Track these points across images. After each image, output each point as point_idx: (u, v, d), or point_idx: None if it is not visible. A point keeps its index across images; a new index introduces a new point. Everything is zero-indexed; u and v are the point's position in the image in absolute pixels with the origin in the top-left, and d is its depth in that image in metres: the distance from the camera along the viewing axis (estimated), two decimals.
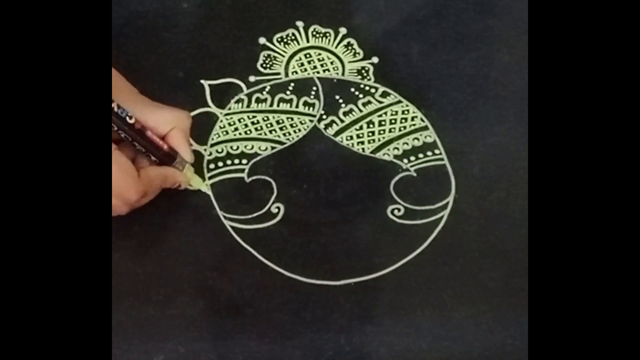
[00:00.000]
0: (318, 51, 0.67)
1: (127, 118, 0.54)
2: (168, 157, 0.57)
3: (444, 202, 0.60)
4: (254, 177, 0.60)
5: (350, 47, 0.67)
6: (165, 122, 0.57)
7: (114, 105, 0.53)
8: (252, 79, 0.65)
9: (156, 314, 0.54)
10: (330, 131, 0.63)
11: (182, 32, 0.67)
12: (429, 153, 0.62)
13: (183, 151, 0.57)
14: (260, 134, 0.62)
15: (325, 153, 0.62)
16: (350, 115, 0.64)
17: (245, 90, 0.65)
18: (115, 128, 0.53)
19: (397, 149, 0.62)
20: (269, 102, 0.64)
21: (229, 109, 0.64)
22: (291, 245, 0.58)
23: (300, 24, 0.69)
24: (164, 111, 0.57)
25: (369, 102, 0.64)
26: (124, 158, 0.53)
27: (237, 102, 0.64)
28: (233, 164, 0.61)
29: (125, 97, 0.56)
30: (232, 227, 0.58)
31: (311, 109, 0.64)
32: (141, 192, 0.54)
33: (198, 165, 0.61)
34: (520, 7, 0.70)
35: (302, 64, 0.66)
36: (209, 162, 0.61)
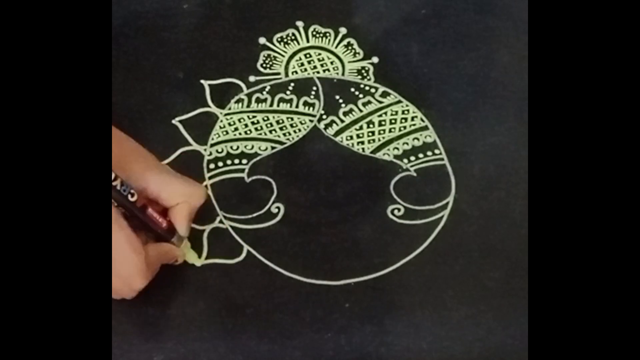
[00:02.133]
0: (318, 51, 0.67)
1: (129, 196, 0.52)
2: (167, 234, 0.54)
3: (444, 202, 0.60)
4: (254, 177, 0.61)
5: (350, 47, 0.67)
6: (176, 195, 0.55)
7: (117, 182, 0.51)
8: (252, 79, 0.65)
9: (156, 314, 0.54)
10: (330, 131, 0.63)
11: (182, 32, 0.67)
12: (429, 153, 0.62)
13: (181, 227, 0.55)
14: (260, 134, 0.62)
15: (325, 153, 0.62)
16: (350, 115, 0.64)
17: (245, 90, 0.65)
18: (116, 204, 0.51)
19: (397, 149, 0.62)
20: (269, 102, 0.64)
21: (229, 109, 0.64)
22: (291, 245, 0.58)
23: (300, 24, 0.69)
24: (179, 184, 0.55)
25: (369, 102, 0.64)
26: (128, 230, 0.51)
27: (237, 102, 0.64)
28: (233, 164, 0.61)
29: (142, 166, 0.54)
30: (232, 227, 0.58)
31: (311, 109, 0.64)
32: (145, 270, 0.52)
33: (198, 165, 0.61)
34: (520, 7, 0.70)
35: (302, 64, 0.66)
36: (209, 162, 0.61)
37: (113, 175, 0.51)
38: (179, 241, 0.55)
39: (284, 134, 0.62)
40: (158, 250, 0.54)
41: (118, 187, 0.51)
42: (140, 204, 0.53)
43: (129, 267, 0.51)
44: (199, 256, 0.57)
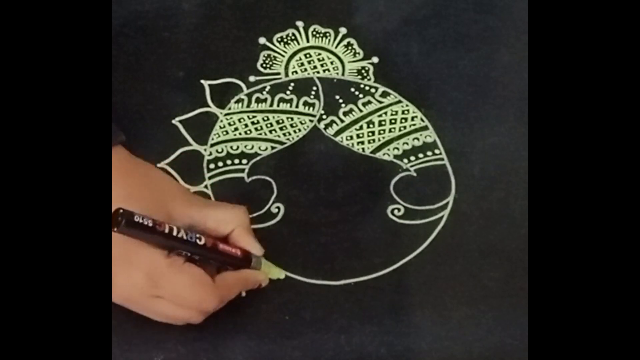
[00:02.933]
0: (318, 51, 0.67)
1: (198, 240, 0.51)
2: (244, 262, 0.53)
3: (444, 202, 0.60)
4: (254, 177, 0.60)
5: (350, 47, 0.67)
6: (226, 222, 0.54)
7: (181, 232, 0.50)
8: (252, 79, 0.65)
9: None
10: (330, 131, 0.63)
11: (182, 32, 0.67)
12: (429, 153, 0.62)
13: (253, 249, 0.54)
14: (260, 134, 0.62)
15: (325, 153, 0.62)
16: (350, 115, 0.64)
17: (245, 90, 0.65)
18: (188, 254, 0.51)
19: (397, 149, 0.62)
20: (269, 102, 0.64)
21: (229, 109, 0.64)
22: (291, 245, 0.58)
23: (300, 24, 0.69)
24: (222, 211, 0.55)
25: (369, 102, 0.64)
26: (195, 268, 0.51)
27: (237, 102, 0.64)
28: (233, 164, 0.61)
29: (180, 202, 0.53)
30: None
31: (311, 109, 0.64)
32: (219, 301, 0.52)
33: (198, 165, 0.61)
34: (520, 7, 0.70)
35: (302, 64, 0.66)
36: (209, 162, 0.61)
37: (168, 227, 0.50)
38: (259, 263, 0.54)
39: (284, 134, 0.62)
40: (239, 277, 0.53)
41: (184, 237, 0.50)
42: (209, 244, 0.52)
43: (196, 291, 0.51)
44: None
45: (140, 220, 0.48)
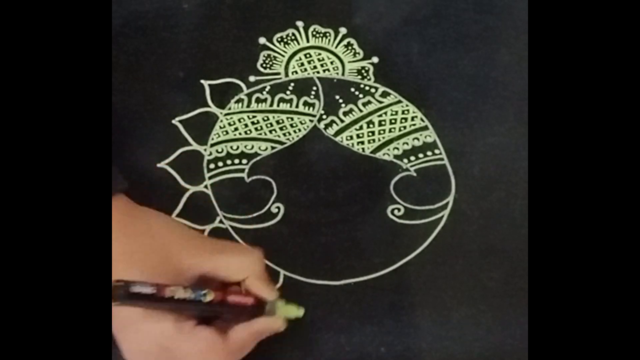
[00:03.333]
0: (318, 51, 0.67)
1: (203, 298, 0.49)
2: (258, 309, 0.51)
3: (444, 202, 0.60)
4: (254, 177, 0.61)
5: (350, 47, 0.67)
6: (239, 270, 0.51)
7: (187, 293, 0.48)
8: (252, 79, 0.65)
9: None
10: (330, 131, 0.63)
11: (182, 32, 0.67)
12: (429, 153, 0.62)
13: (265, 293, 0.51)
14: (260, 134, 0.62)
15: (325, 153, 0.62)
16: (350, 115, 0.64)
17: (245, 90, 0.65)
18: (196, 313, 0.49)
19: (397, 149, 0.62)
20: (269, 102, 0.64)
21: (229, 109, 0.64)
22: (291, 245, 0.58)
23: (300, 24, 0.69)
24: (234, 259, 0.52)
25: (369, 102, 0.64)
26: (206, 331, 0.49)
27: (237, 102, 0.64)
28: (233, 164, 0.61)
29: (188, 253, 0.51)
30: (232, 227, 0.58)
31: (311, 109, 0.64)
32: (234, 358, 0.51)
33: (198, 165, 0.61)
34: (520, 7, 0.70)
35: (302, 64, 0.66)
36: (209, 162, 0.61)
37: (170, 291, 0.48)
38: (273, 306, 0.52)
39: (284, 134, 0.62)
40: (252, 330, 0.51)
41: (190, 297, 0.48)
42: (217, 299, 0.49)
43: (209, 356, 0.49)
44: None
45: (141, 291, 0.47)
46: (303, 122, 0.63)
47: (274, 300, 0.52)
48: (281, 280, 0.56)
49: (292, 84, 0.65)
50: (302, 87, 0.65)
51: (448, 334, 0.54)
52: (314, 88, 0.65)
